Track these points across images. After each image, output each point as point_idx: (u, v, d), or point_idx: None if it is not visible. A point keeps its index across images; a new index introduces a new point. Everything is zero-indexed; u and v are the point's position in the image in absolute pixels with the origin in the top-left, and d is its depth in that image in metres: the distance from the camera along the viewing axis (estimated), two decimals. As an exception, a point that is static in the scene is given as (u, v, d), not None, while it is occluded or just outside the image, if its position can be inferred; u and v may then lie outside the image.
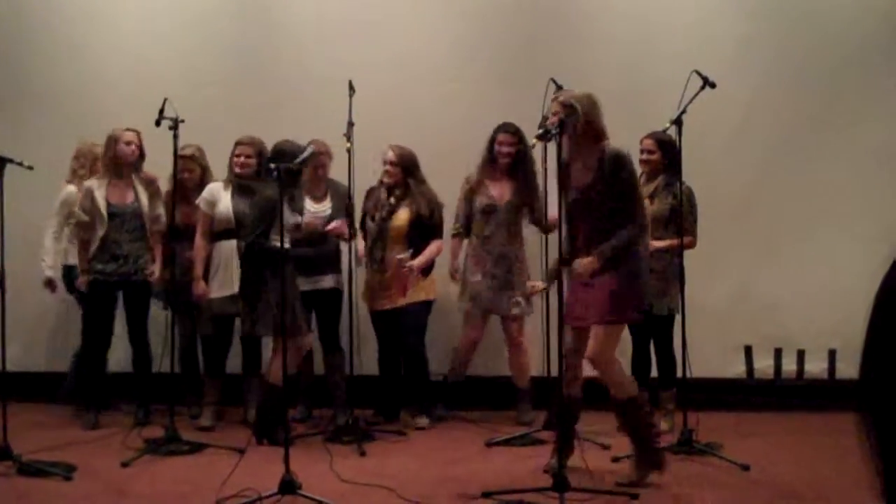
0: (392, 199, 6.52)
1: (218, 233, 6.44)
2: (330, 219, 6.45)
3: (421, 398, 6.63)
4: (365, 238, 6.62)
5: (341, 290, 6.61)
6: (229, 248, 6.38)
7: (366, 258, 6.57)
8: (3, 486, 4.97)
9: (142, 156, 6.59)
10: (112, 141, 6.48)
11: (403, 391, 6.71)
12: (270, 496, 4.55)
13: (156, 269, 6.57)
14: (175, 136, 5.89)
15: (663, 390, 6.32)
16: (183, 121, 5.87)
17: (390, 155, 6.51)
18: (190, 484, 5.04)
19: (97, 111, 6.93)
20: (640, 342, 6.40)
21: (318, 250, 6.49)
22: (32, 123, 6.54)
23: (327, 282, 6.61)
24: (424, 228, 6.53)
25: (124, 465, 5.42)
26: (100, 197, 6.44)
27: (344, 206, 6.38)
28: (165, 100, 5.81)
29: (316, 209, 6.57)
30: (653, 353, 6.40)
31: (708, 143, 6.68)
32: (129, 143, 6.49)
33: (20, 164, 5.98)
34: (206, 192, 6.46)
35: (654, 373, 6.39)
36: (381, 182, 6.57)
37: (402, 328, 6.58)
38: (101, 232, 6.46)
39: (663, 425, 6.22)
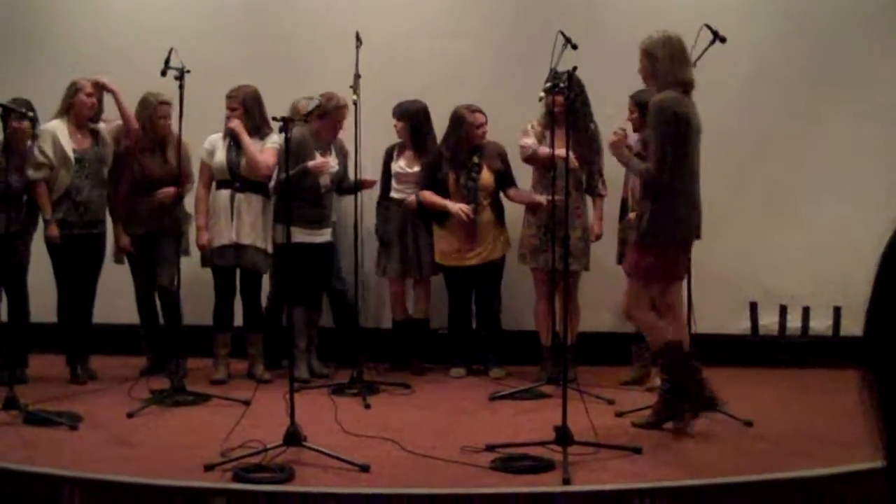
0: (475, 158, 6.62)
1: (216, 181, 6.47)
2: (338, 173, 6.59)
3: (495, 351, 6.77)
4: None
5: (335, 243, 6.66)
6: (225, 197, 6.40)
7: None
8: (10, 434, 4.99)
9: (100, 109, 6.50)
10: (74, 88, 6.35)
11: (478, 344, 6.79)
12: (275, 447, 4.57)
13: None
14: (181, 87, 5.81)
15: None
16: (189, 71, 5.79)
17: (483, 118, 6.61)
18: (195, 435, 5.06)
19: (102, 59, 6.87)
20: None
21: (316, 203, 6.51)
22: (38, 70, 6.50)
23: (325, 235, 6.59)
24: (504, 179, 6.67)
25: (130, 415, 5.43)
26: (64, 141, 6.28)
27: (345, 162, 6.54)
28: (171, 49, 5.75)
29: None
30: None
31: (716, 99, 6.61)
32: (90, 95, 6.37)
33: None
34: (206, 143, 6.48)
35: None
36: (471, 143, 6.58)
37: (483, 283, 6.72)
38: (66, 179, 6.29)
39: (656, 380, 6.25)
